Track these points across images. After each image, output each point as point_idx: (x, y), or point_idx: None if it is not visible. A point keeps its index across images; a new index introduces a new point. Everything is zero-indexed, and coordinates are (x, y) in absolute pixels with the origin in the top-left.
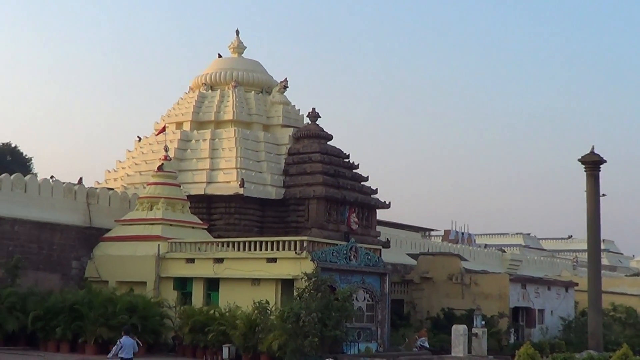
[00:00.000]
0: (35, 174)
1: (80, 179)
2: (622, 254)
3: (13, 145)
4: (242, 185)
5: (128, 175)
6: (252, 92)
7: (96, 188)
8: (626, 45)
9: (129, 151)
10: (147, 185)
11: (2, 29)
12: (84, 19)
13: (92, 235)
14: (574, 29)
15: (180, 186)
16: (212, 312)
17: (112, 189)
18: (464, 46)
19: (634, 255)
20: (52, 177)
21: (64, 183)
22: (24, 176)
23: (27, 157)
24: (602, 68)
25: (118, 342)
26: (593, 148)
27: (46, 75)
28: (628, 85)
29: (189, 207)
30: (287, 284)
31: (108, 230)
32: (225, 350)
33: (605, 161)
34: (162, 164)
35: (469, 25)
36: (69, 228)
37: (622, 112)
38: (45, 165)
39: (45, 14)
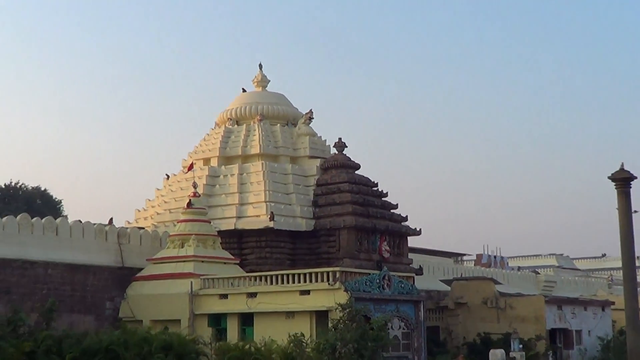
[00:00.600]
0: (66, 217)
1: (111, 219)
2: None
3: (42, 189)
4: (272, 218)
5: (158, 213)
6: (278, 124)
7: (127, 228)
8: None
9: (158, 189)
10: (177, 222)
11: (28, 72)
12: (108, 57)
13: (124, 275)
14: (601, 46)
15: (210, 222)
16: (247, 347)
17: (143, 228)
18: (490, 66)
19: None
20: (79, 221)
21: (94, 224)
22: (55, 219)
23: (56, 199)
24: (630, 84)
25: None
26: (622, 165)
27: (72, 118)
28: None
29: (220, 243)
30: (321, 316)
31: (140, 269)
32: None
33: (636, 177)
34: (191, 200)
35: (495, 45)
36: (102, 269)
37: None
38: (75, 207)
39: (71, 56)
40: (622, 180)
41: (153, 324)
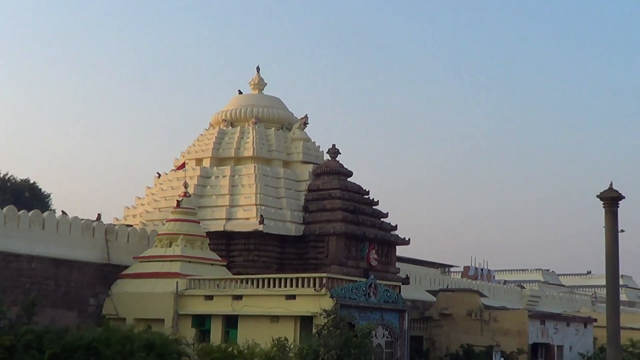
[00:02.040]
0: (54, 211)
1: (99, 215)
2: None
3: (32, 182)
4: (261, 221)
5: (147, 211)
6: (273, 128)
7: (115, 225)
8: None
9: (148, 188)
10: (166, 221)
11: (22, 67)
12: (104, 54)
13: (110, 273)
14: (595, 61)
15: (199, 223)
16: (230, 349)
17: (131, 226)
18: (480, 81)
19: None
20: (62, 212)
21: (82, 220)
22: (42, 213)
23: (45, 193)
24: (621, 102)
25: None
26: (612, 184)
27: (65, 112)
28: None
29: (208, 244)
30: (306, 321)
31: (126, 267)
32: None
33: (624, 197)
34: (181, 200)
35: (488, 58)
36: (87, 265)
37: None
38: (64, 202)
39: (66, 52)
40: (611, 199)
41: (136, 323)
